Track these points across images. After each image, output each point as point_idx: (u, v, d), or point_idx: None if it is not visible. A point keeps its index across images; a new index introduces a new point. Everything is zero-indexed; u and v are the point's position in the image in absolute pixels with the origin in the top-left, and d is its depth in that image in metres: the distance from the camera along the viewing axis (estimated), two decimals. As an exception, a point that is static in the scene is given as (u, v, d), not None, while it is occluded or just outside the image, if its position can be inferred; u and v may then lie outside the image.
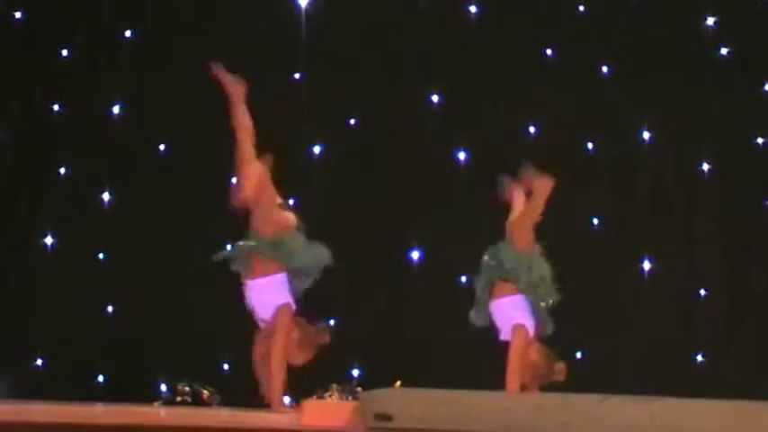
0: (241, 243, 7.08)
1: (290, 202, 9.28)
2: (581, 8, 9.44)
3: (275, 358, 6.93)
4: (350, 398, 7.07)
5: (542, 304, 7.57)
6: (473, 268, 8.91)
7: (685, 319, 9.20)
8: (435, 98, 9.36)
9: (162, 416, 6.66)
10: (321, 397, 7.15)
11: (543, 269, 7.63)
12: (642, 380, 8.80)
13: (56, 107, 9.44)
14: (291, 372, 8.25)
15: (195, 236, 8.97)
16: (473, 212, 9.05)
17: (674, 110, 9.41)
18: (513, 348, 7.45)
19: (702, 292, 9.24)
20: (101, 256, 9.25)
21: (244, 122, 7.24)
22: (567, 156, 9.24)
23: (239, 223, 7.59)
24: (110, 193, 9.34)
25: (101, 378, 9.14)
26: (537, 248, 7.67)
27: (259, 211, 7.08)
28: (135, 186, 9.32)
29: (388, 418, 5.46)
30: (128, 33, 9.44)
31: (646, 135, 9.39)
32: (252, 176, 7.06)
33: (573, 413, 5.33)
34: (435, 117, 9.33)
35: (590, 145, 9.39)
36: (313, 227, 9.08)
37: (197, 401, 8.40)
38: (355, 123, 9.37)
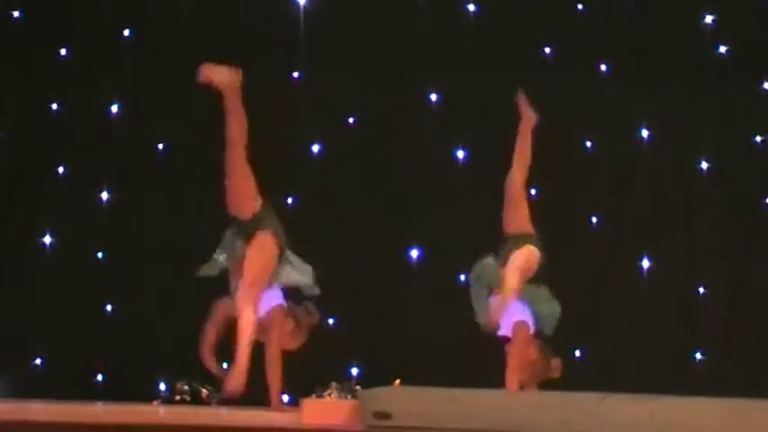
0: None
1: (290, 200, 9.31)
2: (579, 6, 9.44)
3: (273, 359, 6.93)
4: (349, 396, 7.05)
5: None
6: (472, 267, 8.93)
7: (684, 318, 9.20)
8: (434, 97, 9.36)
9: (161, 415, 6.66)
10: (320, 395, 7.14)
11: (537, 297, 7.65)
12: (641, 378, 8.81)
13: (54, 106, 9.44)
14: (291, 372, 8.26)
15: (194, 235, 8.96)
16: (472, 211, 9.04)
17: (672, 108, 9.41)
18: (514, 345, 7.44)
19: (702, 290, 9.24)
20: (100, 255, 9.25)
21: (236, 132, 7.18)
22: (565, 154, 9.24)
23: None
24: (108, 193, 9.34)
25: (100, 377, 9.14)
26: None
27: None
28: (134, 185, 9.32)
29: (387, 416, 5.46)
30: (126, 32, 9.44)
31: (645, 134, 9.39)
32: (240, 186, 7.08)
33: (572, 411, 5.33)
34: (434, 116, 9.33)
35: (588, 143, 9.39)
36: (312, 226, 9.10)
37: (196, 400, 8.39)
38: (354, 122, 9.37)
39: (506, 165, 9.07)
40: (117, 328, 9.07)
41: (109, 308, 9.21)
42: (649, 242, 9.28)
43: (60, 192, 9.37)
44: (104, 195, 9.32)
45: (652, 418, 5.25)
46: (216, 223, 7.63)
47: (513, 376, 7.36)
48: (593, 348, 9.04)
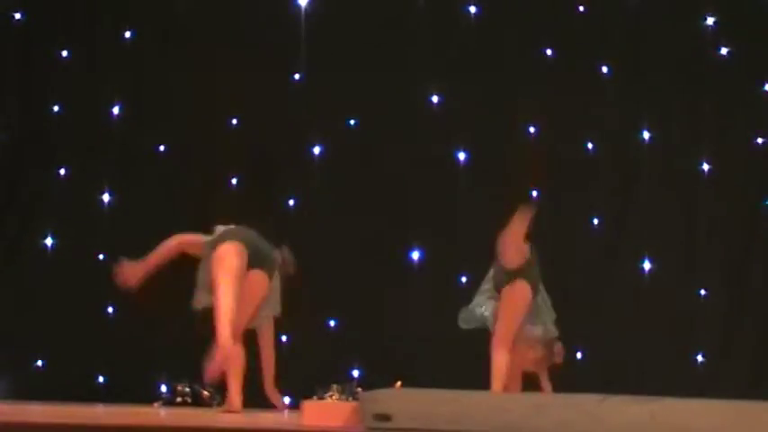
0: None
1: (291, 202, 9.32)
2: (580, 8, 9.44)
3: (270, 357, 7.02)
4: (350, 398, 7.05)
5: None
6: (473, 268, 8.93)
7: (685, 319, 9.19)
8: (435, 98, 9.36)
9: (162, 416, 6.66)
10: (321, 397, 7.14)
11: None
12: (642, 380, 8.81)
13: (55, 108, 9.45)
14: (291, 374, 8.26)
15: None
16: (473, 212, 9.05)
17: (673, 110, 9.41)
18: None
19: (702, 292, 9.24)
20: (101, 256, 9.25)
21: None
22: (566, 156, 9.24)
23: (238, 223, 7.61)
24: (109, 194, 9.35)
25: (101, 378, 9.15)
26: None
27: None
28: (135, 187, 9.33)
29: (387, 418, 5.45)
30: (127, 34, 9.45)
31: (645, 135, 9.39)
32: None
33: (573, 413, 5.32)
34: (435, 117, 9.33)
35: (590, 145, 9.39)
36: (313, 227, 9.11)
37: (197, 402, 8.41)
38: (355, 124, 9.37)
39: (507, 166, 9.10)
40: (118, 329, 9.07)
41: (110, 309, 9.22)
42: (650, 244, 9.28)
43: (61, 193, 9.38)
44: (105, 197, 9.33)
45: (653, 420, 5.25)
46: (215, 223, 7.64)
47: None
48: (594, 350, 9.04)
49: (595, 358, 9.03)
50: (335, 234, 9.10)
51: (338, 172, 9.23)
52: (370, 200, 9.15)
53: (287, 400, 8.10)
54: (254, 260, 7.26)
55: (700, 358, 9.15)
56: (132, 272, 7.24)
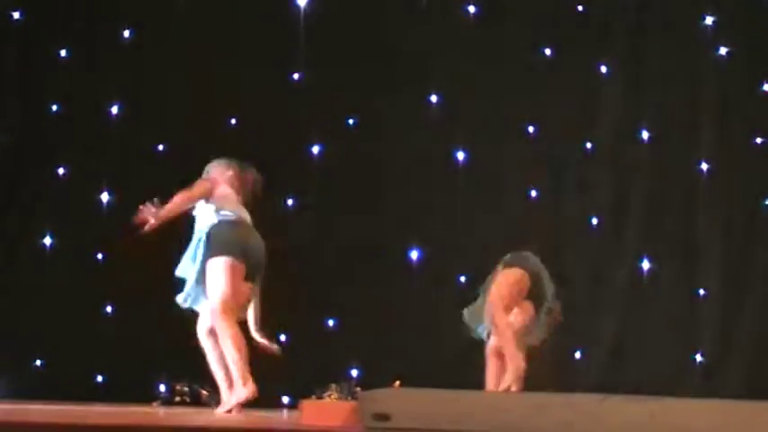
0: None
1: (290, 201, 9.32)
2: (579, 8, 9.43)
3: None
4: (349, 398, 7.04)
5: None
6: (472, 268, 8.93)
7: (685, 319, 9.19)
8: (434, 98, 9.36)
9: (161, 416, 6.66)
10: (320, 397, 7.13)
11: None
12: (642, 379, 8.80)
13: (54, 107, 9.44)
14: (290, 373, 8.26)
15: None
16: (472, 212, 9.05)
17: (672, 110, 9.41)
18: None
19: (702, 291, 9.24)
20: (100, 256, 9.25)
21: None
22: (566, 156, 9.25)
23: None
24: (109, 193, 9.34)
25: (99, 378, 9.15)
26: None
27: None
28: (134, 186, 9.30)
29: (386, 417, 5.44)
30: (126, 33, 9.44)
31: (645, 135, 9.39)
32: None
33: (573, 412, 5.31)
34: (434, 117, 9.33)
35: (588, 145, 9.39)
36: (311, 226, 9.11)
37: (196, 401, 8.40)
38: (354, 123, 9.37)
39: (506, 166, 9.10)
40: (116, 329, 9.07)
41: (109, 309, 9.21)
42: (649, 243, 9.28)
43: (60, 193, 9.37)
44: (105, 196, 9.32)
45: (652, 419, 5.24)
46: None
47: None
48: (594, 349, 9.04)
49: (595, 358, 9.02)
50: (334, 233, 9.09)
51: (337, 171, 9.22)
52: (369, 199, 9.15)
53: (285, 399, 8.09)
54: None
55: (699, 358, 9.15)
56: (152, 213, 7.17)
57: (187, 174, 9.19)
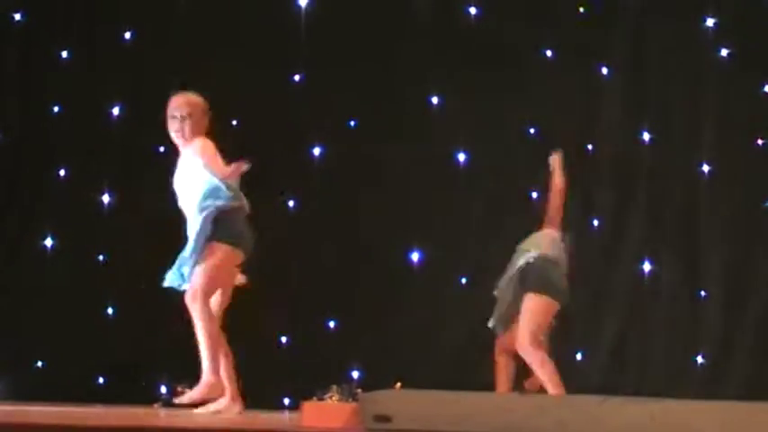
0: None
1: (291, 203, 9.32)
2: (581, 9, 9.43)
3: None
4: (350, 399, 7.04)
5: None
6: (473, 269, 8.93)
7: (685, 321, 9.19)
8: (435, 99, 9.36)
9: (162, 417, 6.65)
10: (321, 398, 7.13)
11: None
12: (642, 381, 8.80)
13: (55, 108, 9.45)
14: (291, 372, 8.26)
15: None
16: (473, 213, 9.05)
17: (674, 111, 9.41)
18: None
19: (703, 293, 9.24)
20: (101, 257, 9.25)
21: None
22: (567, 157, 9.23)
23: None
24: (109, 195, 9.34)
25: (100, 379, 9.14)
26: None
27: None
28: (135, 188, 9.32)
29: (387, 419, 5.45)
30: (127, 35, 9.44)
31: (646, 136, 9.39)
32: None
33: (573, 414, 5.32)
34: (435, 118, 9.33)
35: (590, 146, 9.39)
36: (312, 228, 9.11)
37: (197, 403, 8.39)
38: (355, 125, 9.37)
39: (507, 167, 9.09)
40: (117, 330, 9.07)
41: (110, 310, 9.21)
42: (650, 245, 9.28)
43: (61, 194, 9.37)
44: (105, 197, 9.33)
45: (653, 421, 5.25)
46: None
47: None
48: (594, 351, 9.04)
49: (596, 360, 9.02)
50: (335, 235, 9.09)
51: (338, 173, 9.22)
52: (370, 201, 9.15)
53: (286, 401, 8.09)
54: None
55: (700, 359, 9.15)
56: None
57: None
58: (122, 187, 9.35)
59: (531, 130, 9.33)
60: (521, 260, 7.64)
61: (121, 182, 9.36)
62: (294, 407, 7.93)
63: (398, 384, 7.37)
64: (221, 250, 6.93)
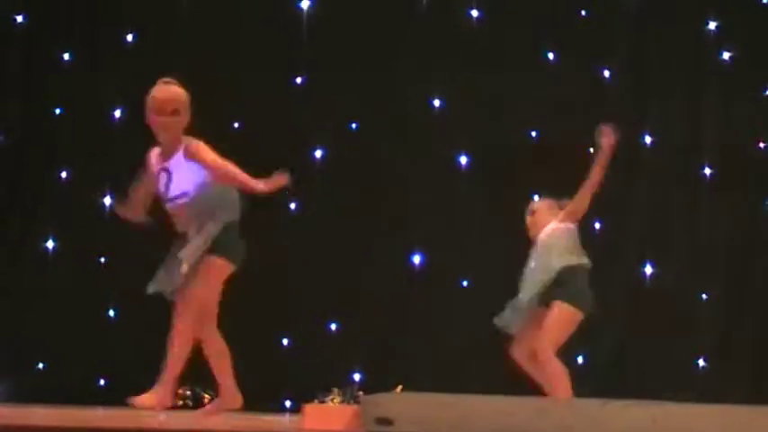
0: None
1: (292, 205, 9.31)
2: (582, 12, 9.43)
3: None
4: (351, 402, 7.05)
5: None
6: (474, 272, 8.93)
7: (687, 324, 9.18)
8: (437, 102, 9.36)
9: (162, 419, 6.65)
10: (322, 401, 7.14)
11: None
12: (644, 384, 8.79)
13: (57, 110, 9.45)
14: (292, 375, 8.25)
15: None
16: (475, 216, 9.05)
17: (675, 113, 9.41)
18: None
19: (704, 296, 9.23)
20: (102, 259, 9.25)
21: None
22: (568, 159, 9.23)
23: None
24: (111, 197, 9.34)
25: (102, 381, 9.14)
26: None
27: None
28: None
29: (389, 422, 5.45)
30: (129, 37, 9.45)
31: (647, 139, 9.39)
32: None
33: (574, 417, 5.32)
34: (437, 120, 9.33)
35: (591, 149, 9.38)
36: (314, 230, 9.10)
37: (198, 405, 8.39)
38: (357, 127, 9.37)
39: (508, 170, 9.09)
40: (119, 332, 9.07)
41: (111, 312, 9.21)
42: (651, 247, 9.27)
43: (63, 196, 9.37)
44: (107, 200, 9.33)
45: (654, 424, 5.25)
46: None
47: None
48: (596, 354, 9.03)
49: (597, 362, 9.02)
50: (337, 237, 9.09)
51: (340, 175, 9.22)
52: (372, 203, 9.15)
53: (288, 403, 8.09)
54: None
55: (701, 362, 9.15)
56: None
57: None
58: (124, 190, 9.34)
59: (533, 133, 9.32)
60: (555, 261, 7.35)
61: (123, 184, 9.34)
62: (295, 409, 7.94)
63: (400, 387, 7.38)
64: (222, 267, 6.55)
